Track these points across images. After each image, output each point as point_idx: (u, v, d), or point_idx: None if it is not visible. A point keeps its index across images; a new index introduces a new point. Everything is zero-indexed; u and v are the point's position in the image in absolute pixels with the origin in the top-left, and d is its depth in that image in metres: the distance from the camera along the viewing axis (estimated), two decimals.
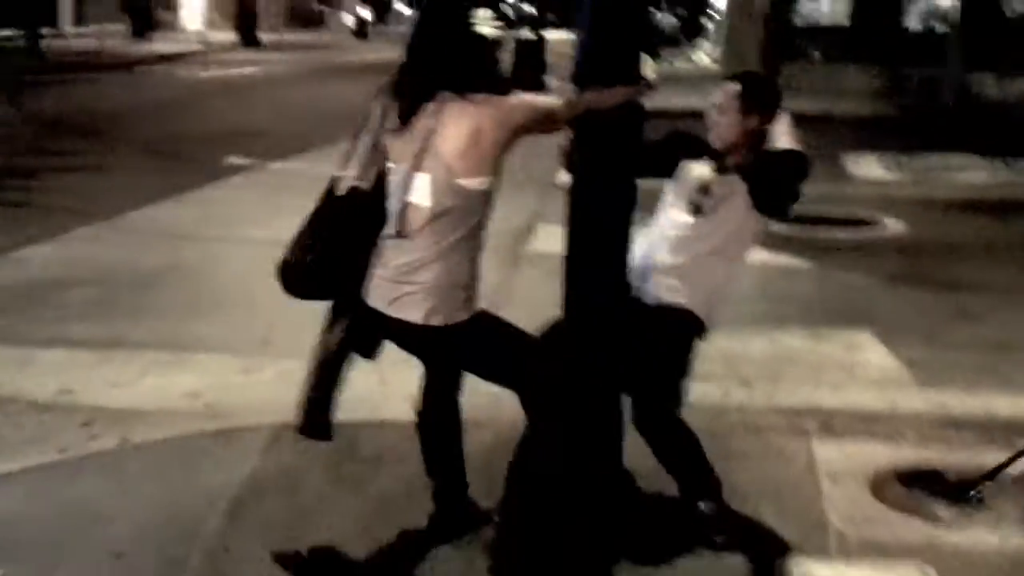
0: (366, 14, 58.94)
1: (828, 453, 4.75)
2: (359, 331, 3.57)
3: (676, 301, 3.91)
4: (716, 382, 5.55)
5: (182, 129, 16.16)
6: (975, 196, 12.20)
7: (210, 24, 44.03)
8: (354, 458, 4.53)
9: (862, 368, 6.19)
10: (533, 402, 3.54)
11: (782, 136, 3.82)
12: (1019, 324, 7.08)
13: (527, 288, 7.24)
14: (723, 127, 3.91)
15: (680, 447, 3.98)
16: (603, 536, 3.81)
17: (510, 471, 3.75)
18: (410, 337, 3.47)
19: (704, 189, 3.94)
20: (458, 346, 3.49)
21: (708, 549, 3.91)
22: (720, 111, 3.92)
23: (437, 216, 3.34)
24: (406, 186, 3.35)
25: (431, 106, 3.34)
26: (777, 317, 7.06)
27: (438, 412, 3.82)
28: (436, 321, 3.39)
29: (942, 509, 4.26)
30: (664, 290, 3.92)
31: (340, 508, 4.17)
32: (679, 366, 3.91)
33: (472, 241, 3.43)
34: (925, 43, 24.75)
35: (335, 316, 3.59)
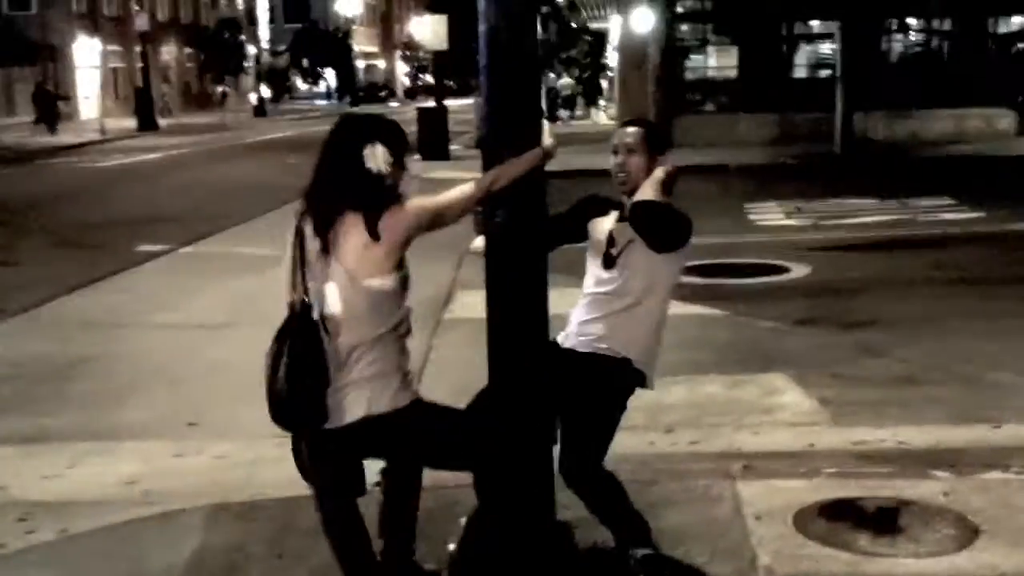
0: (264, 93, 59.06)
1: (752, 493, 4.93)
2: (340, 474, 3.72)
3: (613, 352, 4.03)
4: (639, 432, 5.71)
5: (89, 218, 16.05)
6: (872, 236, 12.68)
7: (107, 112, 43.66)
8: (295, 532, 4.58)
9: (779, 410, 6.42)
10: (485, 480, 3.74)
11: (646, 187, 3.94)
12: (920, 357, 7.40)
13: (449, 354, 7.38)
14: (634, 168, 4.02)
15: (608, 497, 4.12)
16: None
17: (463, 543, 3.87)
18: (364, 436, 3.61)
19: (611, 240, 4.07)
20: (406, 431, 3.64)
21: None
22: (628, 152, 4.04)
23: (351, 319, 3.53)
24: (322, 298, 3.57)
25: (337, 224, 3.56)
26: (695, 365, 7.27)
27: (402, 475, 3.93)
28: (379, 409, 3.56)
29: (864, 539, 4.46)
30: (599, 342, 4.05)
31: None
32: (614, 414, 4.05)
33: (394, 332, 3.62)
34: (812, 89, 25.62)
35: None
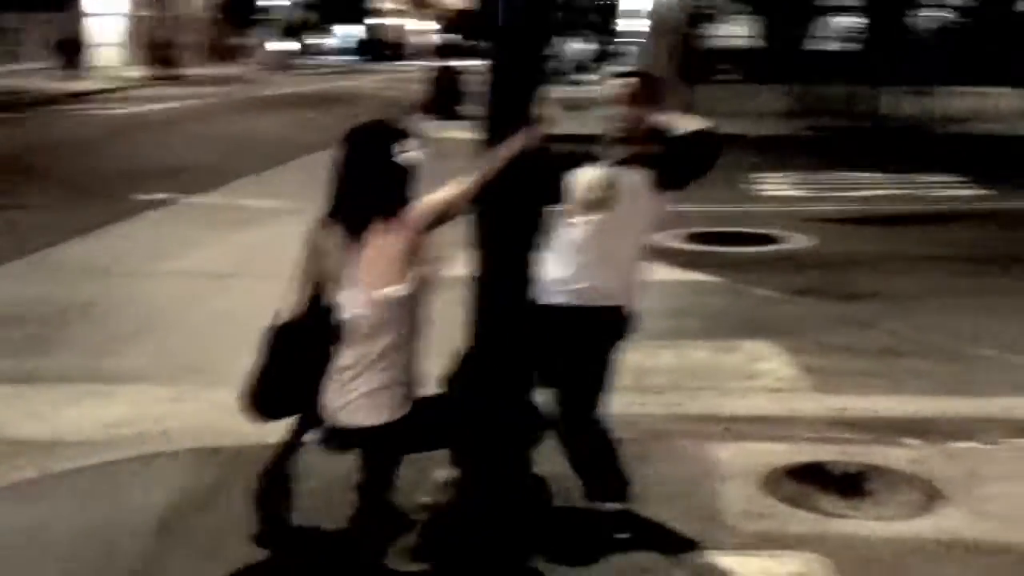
0: (288, 46, 58.92)
1: (727, 455, 5.03)
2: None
3: (599, 302, 4.07)
4: (625, 393, 5.76)
5: (99, 166, 16.14)
6: (877, 210, 12.70)
7: (131, 60, 43.70)
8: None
9: (763, 376, 6.50)
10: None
11: (688, 122, 3.99)
12: (908, 330, 7.47)
13: (443, 310, 7.46)
14: (630, 117, 4.05)
15: (596, 449, 4.20)
16: (520, 538, 4.04)
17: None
18: (361, 439, 3.72)
19: (605, 186, 4.04)
20: (403, 436, 3.74)
21: (617, 548, 4.15)
22: (625, 102, 4.06)
23: (366, 327, 3.60)
24: (341, 304, 3.64)
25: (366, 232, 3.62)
26: (685, 331, 7.36)
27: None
28: (377, 420, 3.65)
29: (830, 501, 4.56)
30: (585, 292, 4.07)
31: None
32: (606, 364, 4.13)
33: (406, 346, 3.68)
34: (836, 62, 25.48)
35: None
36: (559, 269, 4.10)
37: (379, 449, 3.74)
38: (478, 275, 3.97)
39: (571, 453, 4.20)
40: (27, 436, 5.48)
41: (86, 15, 45.73)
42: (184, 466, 4.91)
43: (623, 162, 4.05)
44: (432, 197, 3.74)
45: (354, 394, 3.63)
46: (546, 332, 4.06)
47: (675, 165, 4.00)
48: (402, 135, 3.70)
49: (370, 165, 3.65)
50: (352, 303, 3.59)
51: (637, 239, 4.15)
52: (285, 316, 3.74)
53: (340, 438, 3.74)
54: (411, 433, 3.74)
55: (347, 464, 3.79)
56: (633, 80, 4.13)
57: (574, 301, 4.08)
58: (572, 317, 4.08)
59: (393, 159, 3.64)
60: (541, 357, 4.10)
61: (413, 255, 3.62)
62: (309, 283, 3.68)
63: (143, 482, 4.76)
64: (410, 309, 3.66)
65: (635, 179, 4.02)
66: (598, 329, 4.11)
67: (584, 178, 4.10)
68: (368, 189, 3.62)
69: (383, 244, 3.58)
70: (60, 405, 5.96)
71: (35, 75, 35.06)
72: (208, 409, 5.81)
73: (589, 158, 4.14)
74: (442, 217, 3.72)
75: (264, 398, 3.74)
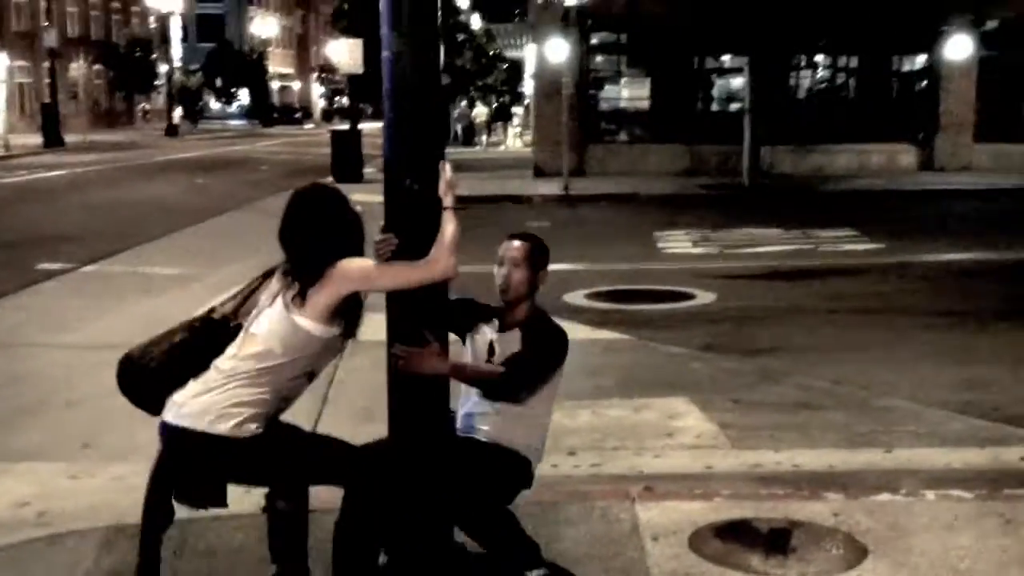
0: (178, 111, 58.35)
1: (650, 514, 4.99)
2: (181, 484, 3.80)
3: (507, 443, 4.12)
4: (545, 455, 5.73)
5: None
6: (776, 266, 12.96)
7: (12, 128, 42.71)
8: (190, 553, 4.53)
9: (680, 433, 6.51)
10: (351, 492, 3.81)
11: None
12: (813, 383, 7.58)
13: (356, 375, 7.35)
14: (517, 281, 4.16)
15: (501, 530, 4.15)
16: None
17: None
18: (194, 443, 3.67)
19: (491, 350, 4.19)
20: (236, 457, 3.70)
21: None
22: (514, 264, 4.17)
23: (262, 344, 3.67)
24: (255, 320, 3.74)
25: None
26: (600, 389, 7.36)
27: (286, 501, 3.92)
28: (218, 429, 3.63)
29: (755, 559, 4.55)
30: (492, 432, 4.14)
31: None
32: (508, 500, 4.17)
33: (287, 380, 3.73)
34: (722, 122, 26.12)
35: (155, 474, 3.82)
36: (465, 402, 4.22)
37: (209, 460, 3.69)
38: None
39: (472, 536, 4.17)
40: None
41: None
42: (90, 546, 4.69)
43: (508, 328, 4.17)
44: (369, 265, 3.75)
45: (212, 396, 3.65)
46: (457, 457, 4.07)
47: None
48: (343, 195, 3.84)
49: (328, 222, 3.74)
50: (266, 319, 3.69)
51: (537, 401, 4.19)
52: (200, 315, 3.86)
53: (177, 437, 3.69)
54: (249, 459, 3.70)
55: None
56: (525, 244, 4.21)
57: (480, 437, 4.16)
58: (477, 450, 4.12)
59: (349, 216, 3.78)
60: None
61: (337, 305, 3.69)
62: (240, 298, 3.84)
63: (55, 563, 4.55)
64: (311, 351, 3.72)
65: (514, 345, 4.12)
66: (500, 471, 4.15)
67: (485, 334, 4.22)
68: (327, 245, 3.70)
69: (318, 288, 3.66)
70: None
71: None
72: (109, 485, 5.61)
73: (494, 314, 4.23)
74: (372, 287, 3.79)
75: (138, 373, 3.78)
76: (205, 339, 3.78)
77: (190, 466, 3.74)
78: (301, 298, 3.66)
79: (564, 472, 5.78)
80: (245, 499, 4.25)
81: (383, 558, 4.00)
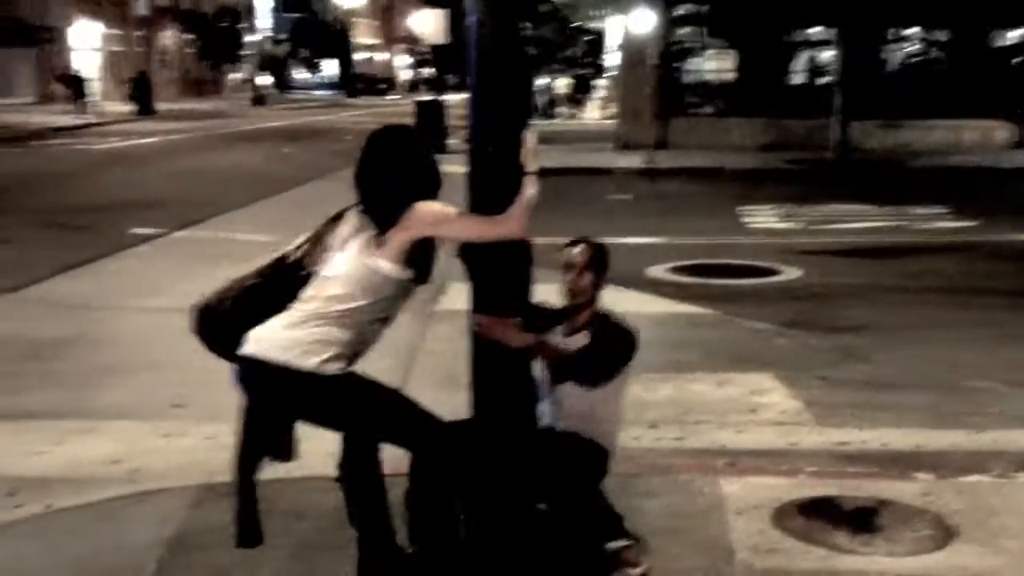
0: (264, 80, 59.01)
1: (733, 489, 4.97)
2: (268, 432, 3.82)
3: (589, 436, 4.12)
4: (626, 427, 5.72)
5: (83, 201, 16.04)
6: (863, 242, 12.74)
7: (105, 95, 43.66)
8: (276, 514, 4.60)
9: (764, 409, 6.45)
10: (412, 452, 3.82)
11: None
12: (902, 362, 7.47)
13: (441, 343, 7.41)
14: (584, 285, 4.15)
15: (589, 504, 4.17)
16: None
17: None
18: (277, 377, 3.68)
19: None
20: (316, 394, 3.71)
21: None
22: (580, 270, 4.15)
23: (342, 286, 3.69)
24: (330, 261, 3.76)
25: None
26: (682, 363, 7.32)
27: (358, 464, 3.96)
28: (302, 364, 3.64)
29: (841, 536, 4.50)
30: (566, 424, 4.13)
31: (264, 563, 4.25)
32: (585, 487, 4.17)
33: (367, 323, 3.74)
34: (809, 96, 25.69)
35: (246, 421, 3.83)
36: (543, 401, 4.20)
37: (288, 395, 3.71)
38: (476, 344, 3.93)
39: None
40: (21, 473, 5.37)
41: (73, 50, 45.92)
42: (180, 503, 4.81)
43: (575, 331, 4.16)
44: (446, 210, 3.74)
45: (295, 332, 3.67)
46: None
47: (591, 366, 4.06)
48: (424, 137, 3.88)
49: (405, 164, 3.77)
50: (342, 263, 3.71)
51: (607, 398, 4.20)
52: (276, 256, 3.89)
53: (258, 370, 3.70)
54: (329, 397, 3.71)
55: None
56: (587, 250, 4.19)
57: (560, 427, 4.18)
58: (559, 440, 4.13)
59: (425, 158, 3.81)
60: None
61: (410, 246, 3.71)
62: (309, 244, 3.84)
63: (146, 519, 4.67)
64: (387, 294, 3.73)
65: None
66: (581, 461, 4.14)
67: (552, 340, 4.18)
68: (405, 187, 3.72)
69: (395, 230, 3.69)
70: (55, 442, 5.85)
71: (30, 110, 35.09)
72: (199, 445, 5.74)
73: (559, 318, 4.21)
74: (446, 234, 3.78)
75: (214, 318, 3.82)
76: (277, 282, 3.80)
77: (266, 403, 3.76)
78: (379, 240, 3.68)
79: (646, 445, 5.77)
80: (331, 462, 4.29)
81: (463, 525, 4.04)
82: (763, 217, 15.15)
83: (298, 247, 3.88)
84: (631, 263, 10.63)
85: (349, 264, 3.71)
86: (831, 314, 9.03)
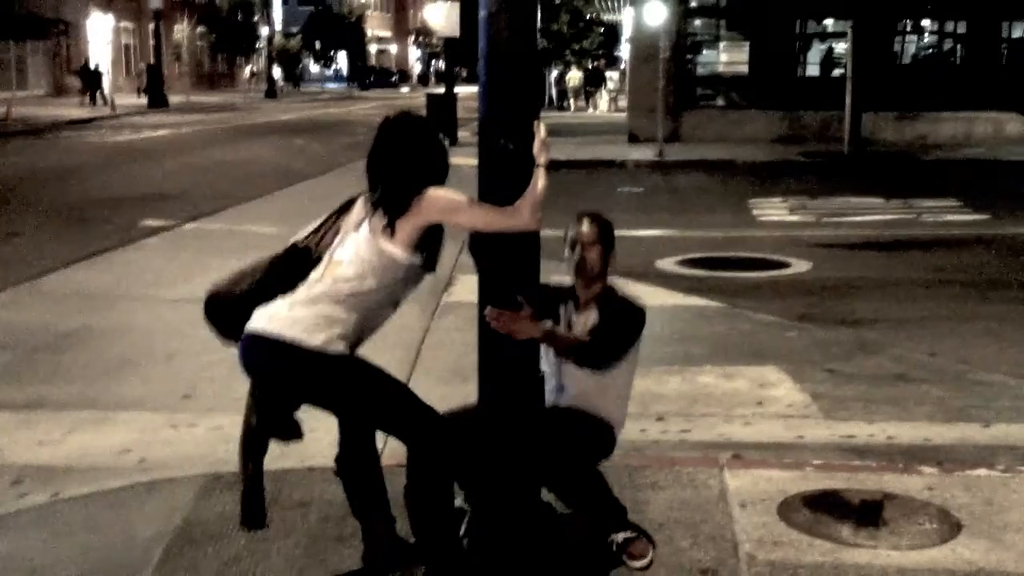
0: (276, 74, 59.03)
1: (739, 482, 4.97)
2: (273, 413, 3.82)
3: (592, 410, 4.17)
4: (632, 420, 5.72)
5: (95, 193, 16.09)
6: (875, 235, 12.70)
7: (118, 88, 43.77)
8: (283, 504, 4.64)
9: (771, 402, 6.45)
10: (411, 445, 3.82)
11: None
12: (910, 356, 7.44)
13: (446, 337, 7.42)
14: (593, 260, 4.17)
15: (593, 492, 4.19)
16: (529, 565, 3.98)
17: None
18: (284, 354, 3.68)
19: (569, 328, 4.20)
20: (327, 374, 3.72)
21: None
22: (589, 244, 4.17)
23: (351, 269, 3.70)
24: (339, 245, 3.77)
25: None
26: (690, 356, 7.32)
27: (356, 456, 3.98)
28: (309, 341, 3.65)
29: (846, 530, 4.50)
30: (576, 401, 4.18)
31: (271, 553, 4.27)
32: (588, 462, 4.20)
33: (374, 306, 3.76)
34: (822, 88, 25.61)
35: (253, 403, 3.83)
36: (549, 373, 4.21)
37: (293, 372, 3.71)
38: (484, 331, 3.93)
39: (562, 497, 4.22)
40: (32, 462, 5.42)
41: (89, 43, 46.08)
42: (188, 493, 4.84)
43: (584, 306, 4.20)
44: (458, 198, 3.75)
45: (302, 310, 3.68)
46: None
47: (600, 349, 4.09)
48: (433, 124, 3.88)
49: (417, 150, 3.78)
50: (352, 245, 3.72)
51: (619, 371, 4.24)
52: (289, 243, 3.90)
53: (263, 346, 3.70)
54: (332, 377, 3.72)
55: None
56: (595, 225, 4.20)
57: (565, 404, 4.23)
58: (564, 417, 4.18)
59: (437, 145, 3.83)
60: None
61: (421, 231, 3.72)
62: (324, 227, 3.86)
63: (150, 509, 4.69)
64: (397, 278, 3.75)
65: (592, 324, 4.16)
66: (588, 437, 4.20)
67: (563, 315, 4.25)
68: (416, 173, 3.74)
69: (406, 216, 3.70)
70: (63, 431, 5.89)
71: (44, 102, 35.22)
72: (208, 435, 5.78)
73: (569, 295, 4.25)
74: (456, 222, 3.78)
75: (226, 302, 3.84)
76: (289, 268, 3.81)
77: (272, 380, 3.77)
78: (390, 225, 3.69)
79: (652, 437, 5.78)
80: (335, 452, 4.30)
81: (468, 517, 4.05)
82: (774, 210, 15.12)
83: (309, 235, 3.90)
84: (642, 256, 10.64)
85: (360, 247, 3.72)
86: (841, 307, 9.01)
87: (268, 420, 3.82)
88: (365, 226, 3.74)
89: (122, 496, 4.84)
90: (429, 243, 3.78)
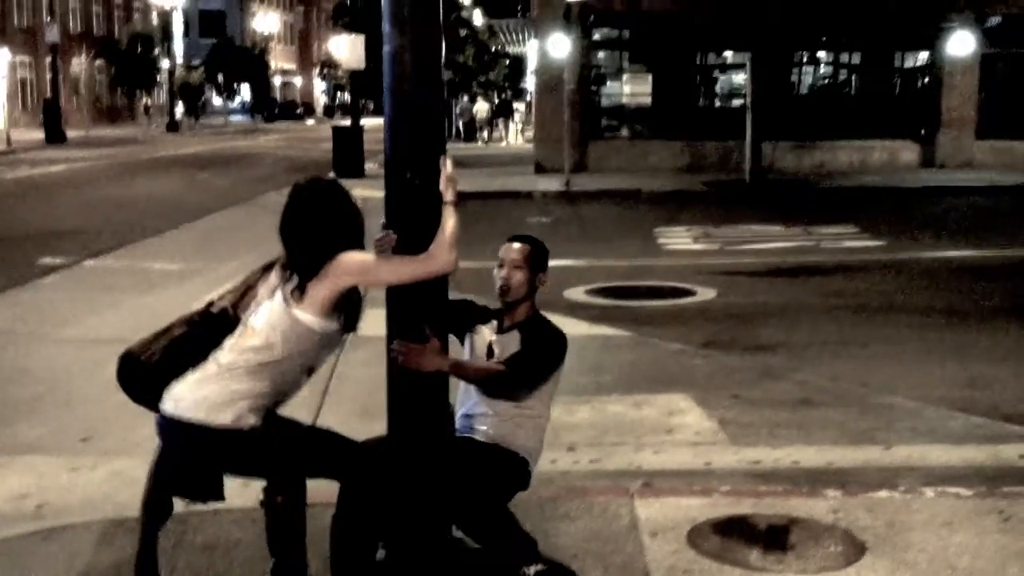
0: (178, 109, 58.27)
1: (649, 511, 4.99)
2: (188, 477, 3.80)
3: (506, 443, 4.13)
4: (544, 451, 5.72)
5: None
6: (777, 263, 12.94)
7: (14, 123, 42.76)
8: (188, 547, 4.54)
9: (679, 429, 6.51)
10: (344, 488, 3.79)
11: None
12: (813, 380, 7.58)
13: (355, 370, 7.35)
14: (517, 282, 4.17)
15: (501, 529, 4.18)
16: None
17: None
18: (194, 435, 3.67)
19: (490, 351, 4.20)
20: (238, 449, 3.70)
21: None
22: (514, 266, 4.18)
23: (263, 339, 3.67)
24: (254, 313, 3.75)
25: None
26: (600, 385, 7.36)
27: (284, 490, 3.93)
28: (219, 421, 3.62)
29: (755, 555, 4.54)
30: (491, 432, 4.15)
31: None
32: (503, 502, 4.18)
33: (289, 374, 3.74)
34: (723, 118, 26.11)
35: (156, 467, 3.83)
36: (465, 401, 4.24)
37: (207, 451, 3.69)
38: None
39: (466, 532, 4.19)
40: None
41: None
42: (88, 539, 4.70)
43: (507, 329, 4.20)
44: (370, 258, 3.74)
45: (210, 387, 3.65)
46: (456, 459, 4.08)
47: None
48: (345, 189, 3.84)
49: (328, 216, 3.73)
50: (265, 313, 3.69)
51: (535, 401, 4.22)
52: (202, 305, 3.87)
53: (175, 429, 3.68)
54: (247, 451, 3.69)
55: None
56: (524, 246, 4.22)
57: (479, 437, 4.18)
58: (477, 451, 4.14)
59: (349, 209, 3.77)
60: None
61: (337, 298, 3.69)
62: (239, 291, 3.84)
63: (53, 556, 4.55)
64: (310, 345, 3.72)
65: (512, 346, 4.14)
66: (499, 472, 4.16)
67: (484, 335, 4.25)
68: (327, 238, 3.69)
69: (317, 282, 3.66)
70: None
71: None
72: (109, 479, 5.63)
73: (493, 316, 4.26)
74: (372, 282, 3.81)
75: (139, 370, 3.78)
76: (204, 333, 3.78)
77: (188, 458, 3.74)
78: (300, 292, 3.66)
79: (563, 468, 5.78)
80: (244, 492, 4.24)
81: (381, 553, 4.01)
82: (680, 239, 15.33)
83: (223, 295, 3.86)
84: (550, 285, 10.65)
85: (273, 315, 3.69)
86: (746, 334, 9.15)
87: (173, 484, 3.81)
88: (279, 294, 3.70)
89: (19, 544, 4.68)
90: (347, 306, 3.76)
